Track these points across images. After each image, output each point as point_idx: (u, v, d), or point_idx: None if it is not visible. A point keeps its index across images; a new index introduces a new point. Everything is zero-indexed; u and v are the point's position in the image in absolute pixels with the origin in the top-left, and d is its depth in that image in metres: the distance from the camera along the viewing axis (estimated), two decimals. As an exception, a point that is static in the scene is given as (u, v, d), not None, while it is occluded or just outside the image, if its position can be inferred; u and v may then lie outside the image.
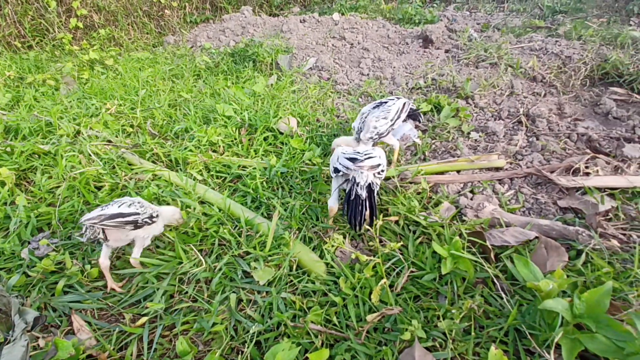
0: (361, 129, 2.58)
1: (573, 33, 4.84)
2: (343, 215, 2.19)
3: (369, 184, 1.95)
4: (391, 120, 2.57)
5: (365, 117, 2.59)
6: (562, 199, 2.38)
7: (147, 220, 1.92)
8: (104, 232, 1.86)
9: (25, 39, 5.21)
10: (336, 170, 2.09)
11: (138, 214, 1.88)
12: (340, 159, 2.07)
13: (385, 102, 2.64)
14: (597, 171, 2.48)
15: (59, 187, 2.43)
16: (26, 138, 2.92)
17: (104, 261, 1.89)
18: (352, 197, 1.94)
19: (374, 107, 2.63)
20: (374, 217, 1.98)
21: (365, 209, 1.94)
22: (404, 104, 2.66)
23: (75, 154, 2.66)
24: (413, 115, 2.85)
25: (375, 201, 1.99)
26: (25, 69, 4.26)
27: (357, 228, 2.00)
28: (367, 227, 2.06)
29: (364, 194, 1.92)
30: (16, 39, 5.14)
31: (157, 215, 1.99)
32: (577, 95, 3.60)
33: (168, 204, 2.36)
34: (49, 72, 4.20)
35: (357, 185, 1.94)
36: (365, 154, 2.04)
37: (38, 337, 1.47)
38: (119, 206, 1.88)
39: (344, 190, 2.12)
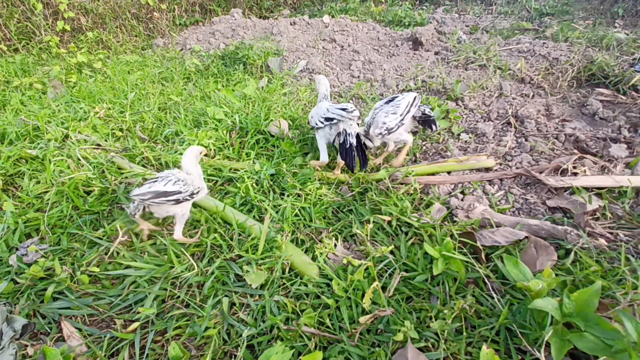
0: (370, 124, 2.61)
1: (560, 35, 4.93)
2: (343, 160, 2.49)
3: (357, 133, 2.43)
4: (400, 115, 2.55)
5: (377, 113, 2.62)
6: (551, 198, 2.42)
7: (187, 197, 2.04)
8: (146, 207, 2.03)
9: (11, 42, 5.13)
10: (328, 119, 2.46)
11: (180, 192, 2.01)
12: (330, 110, 2.44)
13: (396, 97, 2.64)
14: (585, 171, 2.52)
15: (47, 192, 2.40)
16: (13, 143, 2.86)
17: (178, 235, 2.09)
18: (348, 145, 2.39)
19: (386, 102, 2.65)
20: (366, 160, 2.53)
21: (358, 154, 2.42)
22: (415, 97, 2.63)
23: (63, 158, 2.62)
24: (427, 121, 2.77)
25: (364, 147, 2.53)
26: (12, 73, 4.19)
27: (353, 170, 2.49)
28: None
29: (354, 141, 2.39)
30: (2, 42, 5.04)
31: (199, 191, 2.12)
32: (565, 96, 3.67)
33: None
34: (35, 75, 4.14)
35: (349, 135, 2.40)
36: (351, 107, 2.47)
37: (27, 345, 1.45)
38: (165, 184, 2.00)
39: (331, 144, 2.63)
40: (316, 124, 2.57)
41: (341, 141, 2.44)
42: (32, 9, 5.08)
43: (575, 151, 2.78)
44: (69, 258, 2.03)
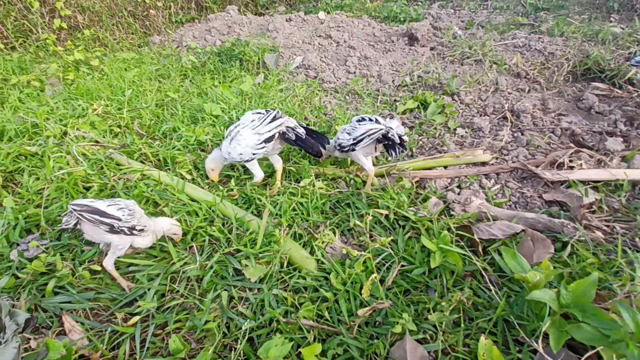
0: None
1: (555, 30, 4.95)
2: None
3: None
4: (354, 138, 2.36)
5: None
6: (547, 192, 2.44)
7: (125, 229, 1.84)
8: (77, 224, 1.87)
9: (8, 40, 5.09)
10: (267, 140, 2.31)
11: (119, 220, 1.83)
12: (261, 130, 2.32)
13: (364, 119, 2.45)
14: (581, 165, 2.55)
15: (46, 188, 2.40)
16: (12, 140, 2.87)
17: (108, 264, 1.89)
18: (303, 137, 2.40)
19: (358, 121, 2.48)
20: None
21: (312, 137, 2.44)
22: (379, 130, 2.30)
23: (62, 155, 2.63)
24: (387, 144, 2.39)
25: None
26: (9, 71, 4.17)
27: (321, 154, 2.53)
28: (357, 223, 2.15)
29: (302, 130, 2.41)
30: (-2, 39, 5.03)
31: (142, 230, 1.90)
32: (560, 90, 3.69)
33: (161, 209, 2.35)
34: (33, 73, 4.12)
35: (295, 128, 2.38)
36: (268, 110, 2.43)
37: (29, 339, 1.46)
38: (108, 205, 1.86)
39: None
40: (253, 155, 2.34)
41: (294, 138, 2.37)
42: (29, 7, 5.05)
43: (572, 145, 2.80)
44: (69, 254, 2.04)
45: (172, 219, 2.11)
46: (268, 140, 2.32)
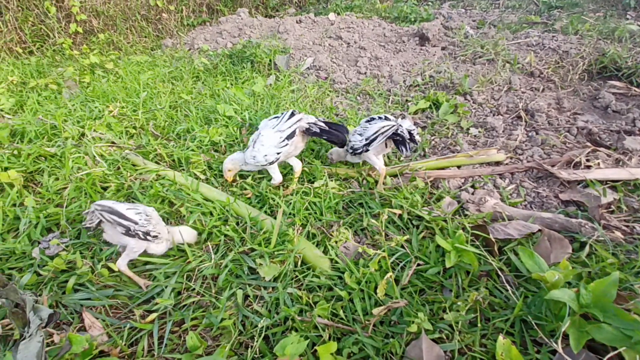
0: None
1: (570, 28, 4.88)
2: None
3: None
4: (366, 139, 2.37)
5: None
6: (564, 192, 2.41)
7: (140, 233, 1.89)
8: (100, 223, 1.92)
9: (26, 44, 5.23)
10: (289, 137, 2.33)
11: (136, 223, 1.87)
12: (281, 127, 2.35)
13: (374, 119, 2.47)
14: (598, 164, 2.51)
15: (65, 188, 2.46)
16: (32, 141, 2.94)
17: (121, 265, 1.92)
18: (325, 128, 2.43)
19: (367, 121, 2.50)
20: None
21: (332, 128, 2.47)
22: (391, 127, 2.34)
23: (80, 155, 2.69)
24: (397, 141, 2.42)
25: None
26: (28, 74, 4.28)
27: (345, 141, 2.51)
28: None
29: (322, 124, 2.43)
30: (17, 44, 5.16)
31: (156, 237, 1.94)
32: (576, 89, 3.63)
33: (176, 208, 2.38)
34: (50, 76, 4.22)
35: (316, 124, 2.41)
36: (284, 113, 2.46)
37: (52, 334, 1.50)
38: (128, 208, 1.91)
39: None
40: (278, 155, 2.36)
41: (319, 130, 2.41)
42: (46, 13, 5.18)
43: (588, 144, 2.76)
44: (88, 252, 2.08)
45: (190, 229, 2.13)
46: (290, 137, 2.34)
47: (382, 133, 2.32)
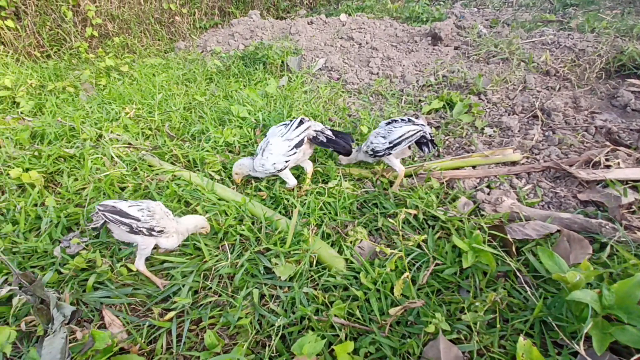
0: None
1: (586, 26, 4.80)
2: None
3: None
4: (390, 142, 2.37)
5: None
6: (583, 192, 2.36)
7: (143, 230, 1.88)
8: (105, 223, 1.93)
9: (44, 48, 5.36)
10: (297, 145, 2.36)
11: (138, 220, 1.87)
12: (290, 136, 2.37)
13: (395, 121, 2.47)
14: (618, 163, 2.45)
15: (85, 188, 2.51)
16: (52, 143, 3.01)
17: (139, 266, 1.94)
18: (332, 137, 2.46)
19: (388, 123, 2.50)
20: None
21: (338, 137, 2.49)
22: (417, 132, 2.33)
23: (99, 156, 2.74)
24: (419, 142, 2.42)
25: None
26: (46, 77, 4.38)
27: (351, 148, 2.52)
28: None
29: (329, 132, 2.47)
30: (35, 48, 5.29)
31: (162, 232, 1.93)
32: (593, 88, 3.57)
33: (193, 206, 2.41)
34: (68, 79, 4.32)
35: (323, 131, 2.45)
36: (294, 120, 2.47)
37: (75, 330, 1.53)
38: (130, 206, 1.91)
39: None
40: (286, 163, 2.39)
41: (325, 140, 2.44)
42: (63, 17, 5.30)
43: (607, 143, 2.70)
44: (107, 251, 2.12)
45: (197, 216, 2.15)
46: (298, 145, 2.37)
47: (407, 138, 2.32)
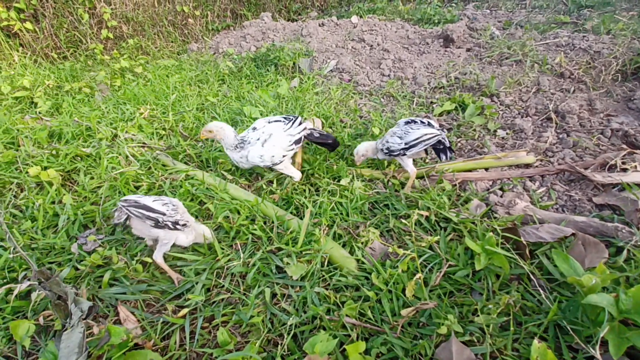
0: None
1: (601, 28, 4.72)
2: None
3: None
4: (406, 143, 2.36)
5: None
6: (598, 195, 2.33)
7: (169, 223, 1.91)
8: (128, 218, 1.95)
9: (61, 50, 5.49)
10: (296, 142, 2.47)
11: (164, 214, 1.90)
12: (292, 132, 2.47)
13: (415, 122, 2.47)
14: (635, 167, 2.41)
15: (100, 186, 2.56)
16: (69, 142, 3.08)
17: (157, 258, 1.96)
18: (318, 135, 2.62)
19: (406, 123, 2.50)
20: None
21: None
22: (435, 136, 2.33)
23: (114, 155, 2.80)
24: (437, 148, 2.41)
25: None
26: (63, 78, 4.49)
27: (338, 144, 2.72)
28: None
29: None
30: (52, 50, 5.42)
31: (185, 225, 1.97)
32: (609, 90, 3.51)
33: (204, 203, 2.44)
34: (84, 80, 4.42)
35: (314, 130, 2.59)
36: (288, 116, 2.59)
37: (92, 325, 1.56)
38: (154, 201, 1.95)
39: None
40: (283, 157, 2.44)
41: (318, 135, 2.61)
42: (80, 19, 5.42)
43: (624, 146, 2.66)
44: (122, 248, 2.16)
45: (207, 228, 2.16)
46: (297, 142, 2.48)
47: (424, 141, 2.32)
